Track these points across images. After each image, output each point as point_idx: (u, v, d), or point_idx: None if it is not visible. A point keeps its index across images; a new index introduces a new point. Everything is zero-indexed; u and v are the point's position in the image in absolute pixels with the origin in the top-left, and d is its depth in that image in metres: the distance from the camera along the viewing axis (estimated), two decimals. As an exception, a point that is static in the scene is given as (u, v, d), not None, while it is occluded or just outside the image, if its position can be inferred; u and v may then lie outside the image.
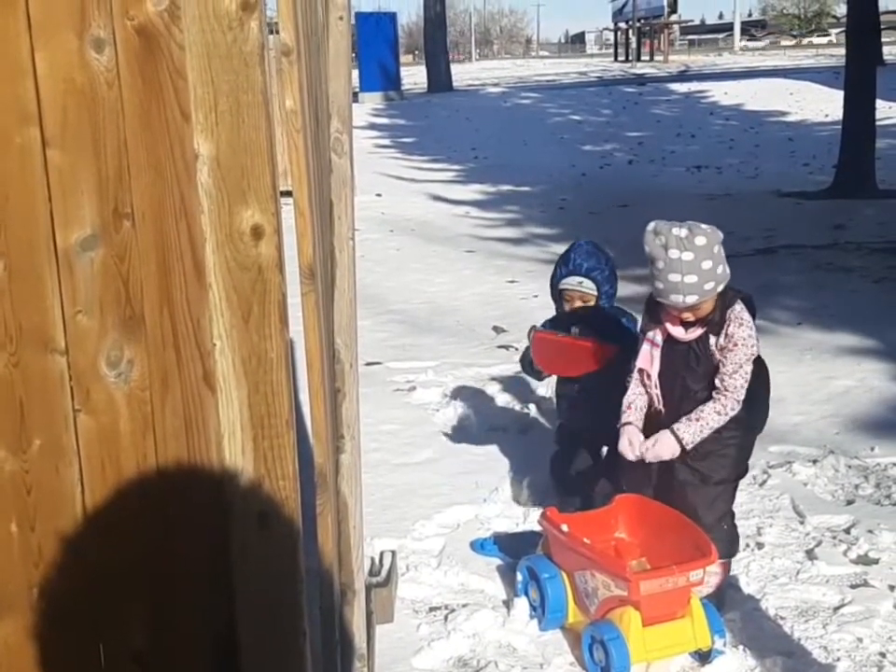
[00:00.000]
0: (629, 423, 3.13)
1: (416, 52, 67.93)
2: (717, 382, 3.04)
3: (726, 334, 3.02)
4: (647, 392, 3.15)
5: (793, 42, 67.38)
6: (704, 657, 2.87)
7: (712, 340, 3.04)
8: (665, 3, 41.69)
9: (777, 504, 3.82)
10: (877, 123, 12.11)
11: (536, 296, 6.90)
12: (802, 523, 3.67)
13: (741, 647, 2.92)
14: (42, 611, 1.71)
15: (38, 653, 1.73)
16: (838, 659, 2.85)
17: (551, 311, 3.77)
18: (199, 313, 1.62)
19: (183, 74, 1.55)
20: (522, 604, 3.11)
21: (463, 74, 34.55)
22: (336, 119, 2.47)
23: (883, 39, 30.12)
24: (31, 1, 1.52)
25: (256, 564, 1.65)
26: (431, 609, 3.18)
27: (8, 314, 1.61)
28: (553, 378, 3.87)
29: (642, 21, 43.35)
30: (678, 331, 3.07)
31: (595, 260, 3.42)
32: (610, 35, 54.18)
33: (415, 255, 9.16)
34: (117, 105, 1.56)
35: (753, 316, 3.10)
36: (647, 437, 3.11)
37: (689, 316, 3.01)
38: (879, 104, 12.50)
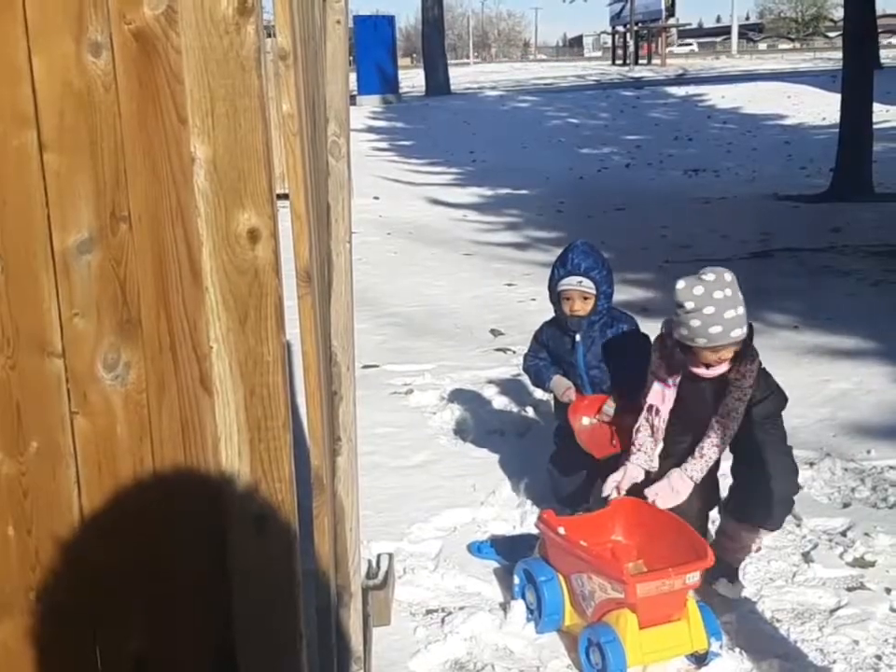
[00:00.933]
0: (632, 464, 3.22)
1: (414, 55, 67.99)
2: (721, 408, 3.09)
3: (739, 369, 3.07)
4: (651, 425, 3.19)
5: (790, 46, 67.55)
6: (700, 659, 2.87)
7: (731, 374, 3.07)
8: (663, 6, 41.68)
9: (773, 507, 3.82)
10: (874, 127, 12.13)
11: (534, 299, 6.91)
12: (798, 525, 3.67)
13: (738, 649, 2.92)
14: (39, 614, 1.71)
15: (36, 656, 1.73)
16: (834, 662, 2.85)
17: (548, 313, 3.77)
18: (195, 315, 1.63)
19: (180, 78, 1.55)
20: (519, 607, 3.11)
21: (461, 77, 34.54)
22: (333, 123, 2.48)
23: (880, 42, 30.23)
24: (28, 5, 1.53)
25: (253, 566, 1.65)
26: (428, 612, 3.18)
27: (5, 316, 1.61)
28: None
29: (640, 25, 43.37)
30: (701, 370, 3.09)
31: (592, 260, 3.43)
32: (608, 39, 54.19)
33: (413, 258, 9.17)
34: (114, 109, 1.56)
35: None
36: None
37: (725, 355, 3.03)
38: (876, 107, 12.53)
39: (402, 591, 3.28)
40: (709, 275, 2.97)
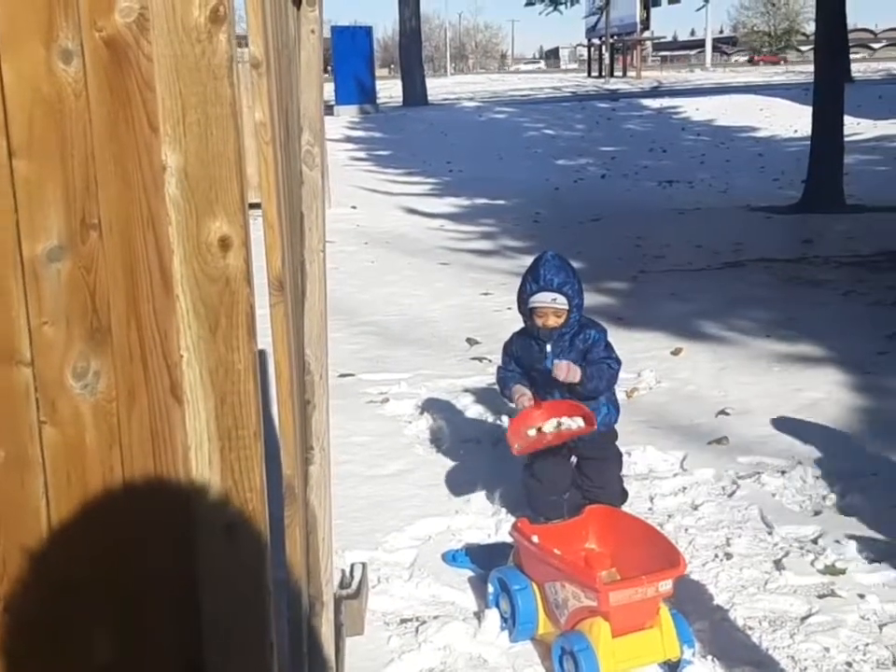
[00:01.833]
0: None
1: (392, 66, 68.08)
2: None
3: None
4: None
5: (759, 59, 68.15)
6: (673, 667, 2.88)
7: None
8: (638, 19, 41.99)
9: (745, 515, 3.84)
10: (846, 139, 12.26)
11: (510, 308, 6.89)
12: (770, 533, 3.70)
13: (710, 657, 2.93)
14: (6, 625, 1.70)
15: (3, 667, 1.71)
16: (805, 669, 2.87)
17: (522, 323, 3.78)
18: (166, 324, 1.62)
19: (151, 85, 1.55)
20: (493, 615, 3.11)
21: (438, 88, 34.65)
22: (307, 132, 2.48)
23: (851, 56, 30.59)
24: (-3, 11, 1.52)
25: (223, 576, 1.65)
26: (402, 621, 3.18)
27: (-26, 325, 1.60)
28: None
29: (615, 38, 43.66)
30: None
31: (564, 274, 3.44)
32: (584, 51, 54.48)
33: (390, 267, 9.18)
34: (84, 116, 1.56)
35: None
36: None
37: None
38: (848, 119, 12.68)
39: (376, 600, 3.28)
40: None
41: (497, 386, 3.80)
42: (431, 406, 5.15)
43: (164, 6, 1.54)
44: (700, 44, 70.47)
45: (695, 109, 23.61)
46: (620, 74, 42.54)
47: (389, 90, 31.17)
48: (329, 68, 25.09)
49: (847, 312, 6.90)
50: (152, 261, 1.61)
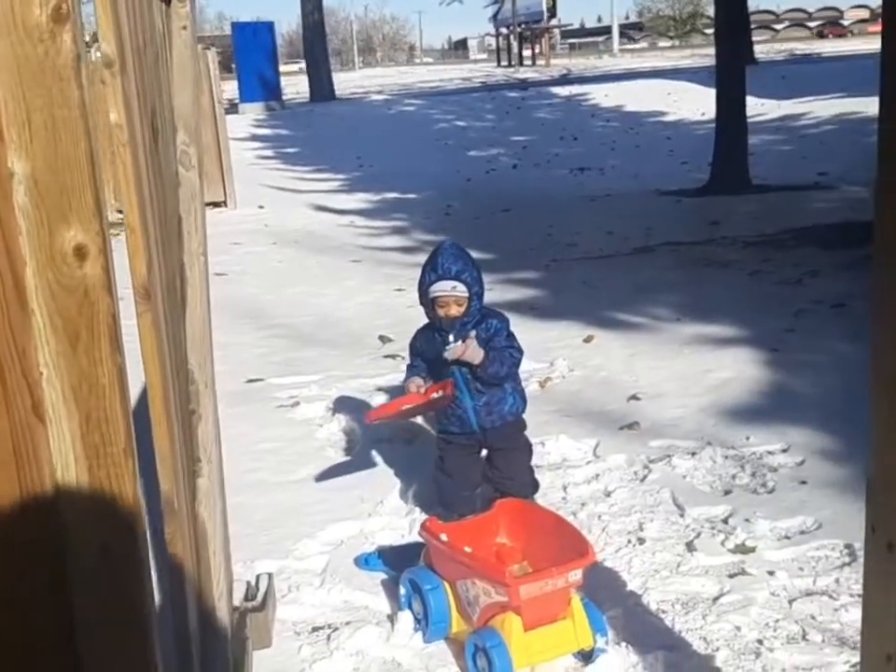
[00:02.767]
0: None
1: (300, 61, 67.28)
2: None
3: None
4: None
5: (669, 44, 69.24)
6: (587, 657, 2.87)
7: None
8: (545, 7, 42.30)
9: (657, 498, 3.86)
10: (749, 120, 12.48)
11: (422, 303, 6.89)
12: (682, 515, 3.72)
13: (624, 644, 2.93)
14: None
15: None
16: (717, 649, 2.88)
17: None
18: (23, 340, 1.53)
19: (-9, 89, 1.46)
20: (406, 617, 3.06)
21: (347, 83, 34.42)
22: (182, 132, 2.40)
23: (755, 38, 31.21)
24: None
25: (99, 597, 1.57)
26: (314, 630, 3.11)
27: None
28: None
29: (523, 26, 43.89)
30: None
31: (462, 262, 3.41)
32: (493, 41, 54.65)
33: (299, 267, 9.06)
34: (-80, 124, 1.46)
35: None
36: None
37: None
38: (750, 100, 12.90)
39: (287, 610, 3.20)
40: None
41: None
42: (343, 407, 5.08)
43: (2, 5, 1.45)
44: (607, 30, 71.26)
45: (604, 96, 23.85)
46: (529, 63, 42.78)
47: (296, 85, 30.86)
48: (233, 65, 24.73)
49: (755, 291, 7.01)
50: (4, 274, 1.52)
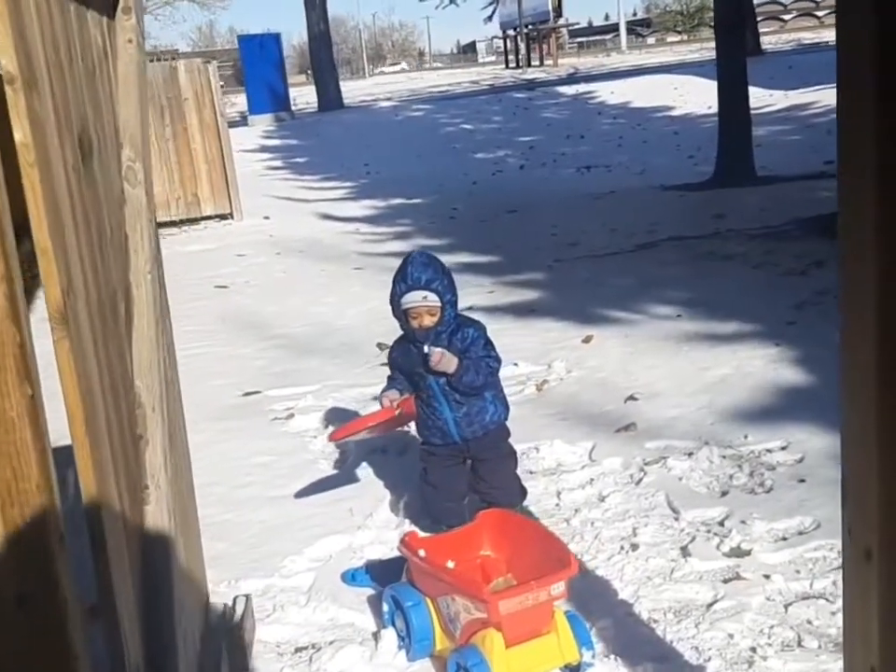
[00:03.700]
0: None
1: (309, 72, 67.49)
2: None
3: None
4: None
5: (678, 38, 68.94)
6: (574, 671, 2.78)
7: None
8: (550, 7, 42.10)
9: (652, 502, 3.77)
10: (756, 111, 12.36)
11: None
12: (677, 519, 3.63)
13: (612, 656, 2.84)
14: None
15: None
16: (709, 659, 2.79)
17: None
18: (-72, 375, 1.46)
19: None
20: (389, 635, 2.99)
21: (357, 91, 34.37)
22: (128, 148, 2.33)
23: (762, 28, 30.94)
24: None
25: (16, 649, 1.49)
26: (297, 650, 3.04)
27: None
28: None
29: (529, 27, 43.72)
30: None
31: (432, 271, 3.34)
32: (501, 43, 54.49)
33: (302, 276, 9.00)
34: None
35: None
36: None
37: None
38: (758, 91, 12.78)
39: (271, 630, 3.13)
40: None
41: None
42: (338, 418, 5.00)
43: None
44: (615, 28, 70.95)
45: (610, 93, 23.68)
46: (537, 63, 42.61)
47: (306, 96, 30.85)
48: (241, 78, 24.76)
49: (758, 284, 6.88)
50: None
